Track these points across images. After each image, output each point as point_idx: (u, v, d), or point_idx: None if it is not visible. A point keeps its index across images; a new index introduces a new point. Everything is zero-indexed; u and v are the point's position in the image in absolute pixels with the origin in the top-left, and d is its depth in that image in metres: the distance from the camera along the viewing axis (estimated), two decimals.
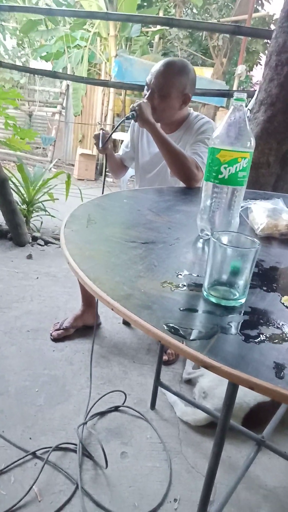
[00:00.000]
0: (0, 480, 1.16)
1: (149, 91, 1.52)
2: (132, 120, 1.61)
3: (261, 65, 9.83)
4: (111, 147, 1.63)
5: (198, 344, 0.46)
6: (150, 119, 1.44)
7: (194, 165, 1.44)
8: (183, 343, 0.46)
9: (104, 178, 1.57)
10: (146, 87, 1.55)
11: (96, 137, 1.55)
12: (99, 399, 1.49)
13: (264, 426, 1.34)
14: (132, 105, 1.46)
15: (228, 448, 1.36)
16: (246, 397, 1.38)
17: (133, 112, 1.43)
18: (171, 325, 0.49)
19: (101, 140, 1.53)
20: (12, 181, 3.10)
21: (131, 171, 2.00)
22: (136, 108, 1.43)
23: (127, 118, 1.46)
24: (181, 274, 0.64)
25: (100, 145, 1.53)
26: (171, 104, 1.53)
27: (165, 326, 0.48)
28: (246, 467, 1.17)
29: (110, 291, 0.56)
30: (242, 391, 1.26)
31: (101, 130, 1.54)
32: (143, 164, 1.76)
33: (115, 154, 1.79)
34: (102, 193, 1.25)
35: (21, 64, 8.78)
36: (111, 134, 1.62)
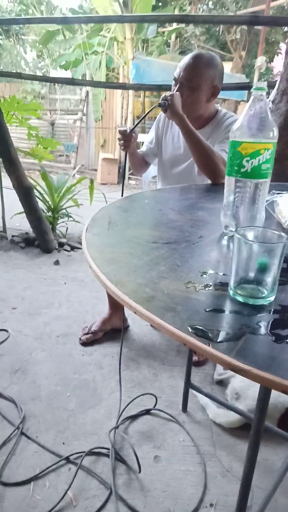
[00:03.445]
0: (36, 485, 1.16)
1: (178, 85, 1.51)
2: (157, 117, 1.58)
3: (281, 54, 9.59)
4: (134, 144, 1.60)
5: (225, 346, 0.43)
6: (180, 111, 1.42)
7: (221, 161, 1.42)
8: (209, 346, 0.43)
9: (124, 181, 1.55)
10: (173, 81, 1.54)
11: (122, 132, 1.53)
12: (130, 402, 1.48)
13: None
14: (164, 94, 1.44)
15: (264, 450, 1.31)
16: (281, 397, 1.34)
17: (165, 100, 1.41)
18: (196, 327, 0.47)
19: (128, 131, 1.51)
20: (37, 190, 3.16)
21: (152, 171, 1.98)
22: (169, 98, 1.41)
23: (159, 105, 1.44)
24: (205, 274, 0.62)
25: (128, 131, 1.51)
26: (201, 96, 1.52)
27: (190, 328, 0.46)
28: (284, 470, 1.12)
29: (133, 294, 0.54)
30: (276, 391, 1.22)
31: (127, 127, 1.53)
32: (168, 160, 1.74)
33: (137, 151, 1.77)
34: (122, 195, 1.24)
35: (41, 75, 8.98)
36: (141, 120, 1.61)
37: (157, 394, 1.52)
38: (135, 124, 1.53)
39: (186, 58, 1.51)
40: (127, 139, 1.52)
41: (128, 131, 1.51)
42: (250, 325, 0.48)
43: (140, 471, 1.21)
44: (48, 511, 1.08)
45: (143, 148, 1.83)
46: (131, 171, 7.13)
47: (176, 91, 1.50)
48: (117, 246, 0.74)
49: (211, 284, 0.59)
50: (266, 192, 0.77)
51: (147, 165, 1.86)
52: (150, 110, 1.58)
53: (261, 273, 0.54)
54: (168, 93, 1.42)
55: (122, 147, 1.55)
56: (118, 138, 1.55)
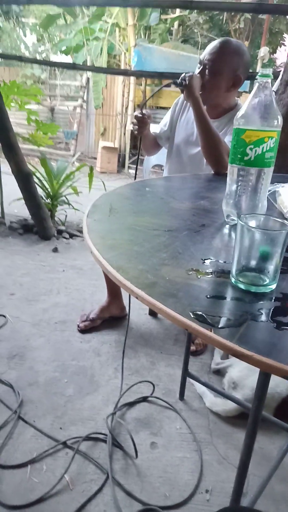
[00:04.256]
0: (33, 468, 1.18)
1: (201, 67, 1.49)
2: (176, 100, 1.53)
3: (285, 45, 9.47)
4: (148, 128, 1.59)
5: (227, 332, 0.44)
6: (197, 93, 1.41)
7: (226, 152, 1.40)
8: (211, 331, 0.43)
9: (137, 165, 1.53)
10: (198, 64, 1.51)
11: (138, 118, 1.51)
12: (127, 389, 1.50)
13: None
14: (184, 73, 1.41)
15: (260, 439, 1.33)
16: (278, 387, 1.35)
17: (183, 80, 1.39)
18: (198, 313, 0.47)
19: (141, 110, 1.51)
20: (36, 176, 3.13)
21: (154, 160, 1.97)
22: (187, 78, 1.39)
23: (174, 83, 1.41)
24: (207, 261, 0.62)
25: (140, 111, 1.51)
26: (221, 83, 1.50)
27: (191, 314, 0.46)
28: (280, 458, 1.14)
29: (134, 280, 0.54)
30: (274, 381, 1.23)
31: (142, 110, 1.52)
32: (179, 145, 1.71)
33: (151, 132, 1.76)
34: (135, 179, 1.23)
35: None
36: (152, 95, 1.59)
37: (154, 382, 1.53)
38: (145, 100, 1.51)
39: (214, 42, 1.50)
40: (143, 125, 1.52)
41: (140, 111, 1.50)
42: (251, 312, 0.48)
43: (137, 457, 1.23)
44: (45, 493, 1.09)
45: (156, 130, 1.80)
46: (131, 160, 7.08)
47: (199, 72, 1.48)
48: (118, 232, 0.74)
49: (212, 271, 0.59)
50: (268, 181, 0.77)
51: (158, 147, 1.85)
52: (165, 85, 1.55)
53: (263, 261, 0.53)
54: (188, 73, 1.40)
55: (136, 132, 1.55)
56: (133, 122, 1.55)
